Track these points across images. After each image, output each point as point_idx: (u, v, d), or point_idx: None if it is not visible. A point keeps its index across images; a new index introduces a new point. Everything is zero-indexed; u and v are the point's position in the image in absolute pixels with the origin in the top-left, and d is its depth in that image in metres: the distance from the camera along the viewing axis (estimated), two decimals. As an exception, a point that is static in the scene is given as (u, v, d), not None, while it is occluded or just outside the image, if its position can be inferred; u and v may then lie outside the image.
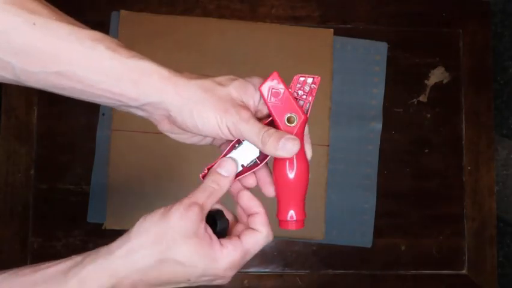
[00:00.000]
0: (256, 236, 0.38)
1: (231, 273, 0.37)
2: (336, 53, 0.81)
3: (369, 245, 0.80)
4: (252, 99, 0.39)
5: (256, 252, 0.39)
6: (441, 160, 0.82)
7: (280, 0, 0.83)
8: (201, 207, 0.37)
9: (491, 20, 0.85)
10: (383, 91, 0.82)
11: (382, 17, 0.84)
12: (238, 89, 0.38)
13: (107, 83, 0.36)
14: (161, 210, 0.37)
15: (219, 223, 0.38)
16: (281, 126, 0.38)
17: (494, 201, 0.82)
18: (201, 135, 0.40)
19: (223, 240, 0.37)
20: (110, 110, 0.77)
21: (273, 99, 0.38)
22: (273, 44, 0.80)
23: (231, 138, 0.39)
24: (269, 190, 0.41)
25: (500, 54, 0.85)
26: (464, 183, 0.82)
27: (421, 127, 0.83)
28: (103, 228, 0.75)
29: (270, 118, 0.39)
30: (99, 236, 0.76)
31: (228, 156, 0.40)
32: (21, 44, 0.33)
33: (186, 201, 0.37)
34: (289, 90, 0.39)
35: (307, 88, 0.40)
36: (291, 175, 0.39)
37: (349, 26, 0.83)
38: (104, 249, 0.36)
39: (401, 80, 0.83)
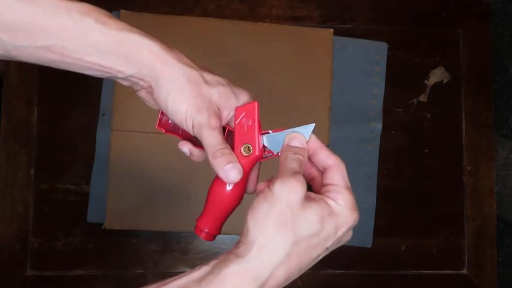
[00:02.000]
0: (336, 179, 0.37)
1: (355, 212, 0.36)
2: (336, 53, 0.81)
3: (369, 245, 0.80)
4: (228, 110, 0.40)
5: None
6: (441, 160, 0.82)
7: (280, 0, 0.83)
8: (302, 176, 0.35)
9: (491, 20, 0.85)
10: (383, 91, 0.82)
11: (382, 17, 0.84)
12: (221, 95, 0.39)
13: (97, 56, 0.36)
14: (261, 197, 0.34)
15: None
16: (236, 150, 0.39)
17: (494, 201, 0.82)
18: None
19: (329, 194, 0.36)
20: (110, 110, 0.77)
21: (242, 123, 0.39)
22: (273, 44, 0.80)
23: (191, 133, 0.39)
24: (250, 187, 0.42)
25: (500, 54, 0.85)
26: (464, 183, 0.82)
27: (421, 127, 0.83)
28: (103, 228, 0.75)
29: (227, 130, 0.41)
30: (99, 236, 0.75)
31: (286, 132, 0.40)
32: (9, 19, 0.33)
33: (284, 176, 0.34)
34: (260, 125, 0.40)
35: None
36: (224, 196, 0.40)
37: (349, 26, 0.83)
38: (231, 256, 0.33)
39: (401, 80, 0.83)
